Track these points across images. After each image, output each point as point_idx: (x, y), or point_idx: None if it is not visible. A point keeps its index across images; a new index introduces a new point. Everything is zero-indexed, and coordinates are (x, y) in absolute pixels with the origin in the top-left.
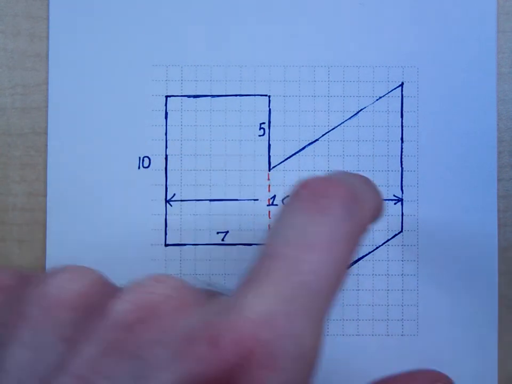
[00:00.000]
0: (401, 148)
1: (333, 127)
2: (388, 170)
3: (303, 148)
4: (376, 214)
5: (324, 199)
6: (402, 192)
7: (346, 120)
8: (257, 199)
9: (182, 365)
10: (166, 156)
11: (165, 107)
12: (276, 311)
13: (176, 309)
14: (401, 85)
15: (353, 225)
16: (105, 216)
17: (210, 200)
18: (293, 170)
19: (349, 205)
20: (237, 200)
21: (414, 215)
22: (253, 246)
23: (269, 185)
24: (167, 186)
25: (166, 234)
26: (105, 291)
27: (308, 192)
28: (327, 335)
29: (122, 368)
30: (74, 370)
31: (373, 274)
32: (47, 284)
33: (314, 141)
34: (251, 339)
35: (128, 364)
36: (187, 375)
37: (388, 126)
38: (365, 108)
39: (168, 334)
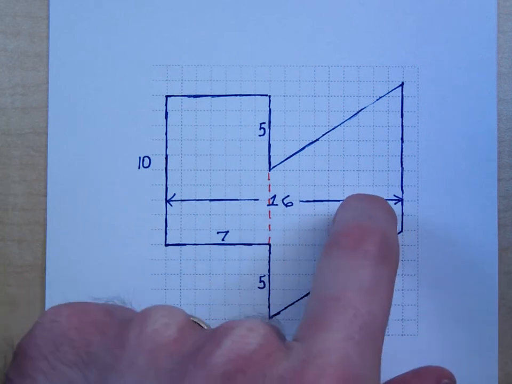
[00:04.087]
0: (401, 148)
1: (333, 127)
2: (388, 170)
3: (303, 148)
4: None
5: (363, 245)
6: (403, 192)
7: (346, 120)
8: (257, 199)
9: None
10: (166, 155)
11: (165, 107)
12: (352, 354)
13: (267, 356)
14: (401, 84)
15: (389, 264)
16: (105, 216)
17: (211, 200)
18: (293, 170)
19: (383, 247)
20: (237, 200)
21: (414, 215)
22: (253, 246)
23: (269, 185)
24: (167, 186)
25: (166, 234)
26: (195, 334)
27: (348, 240)
28: None
29: None
30: None
31: None
32: (145, 328)
33: (315, 141)
34: (338, 382)
35: None
36: None
37: (388, 126)
38: (365, 107)
39: (262, 383)
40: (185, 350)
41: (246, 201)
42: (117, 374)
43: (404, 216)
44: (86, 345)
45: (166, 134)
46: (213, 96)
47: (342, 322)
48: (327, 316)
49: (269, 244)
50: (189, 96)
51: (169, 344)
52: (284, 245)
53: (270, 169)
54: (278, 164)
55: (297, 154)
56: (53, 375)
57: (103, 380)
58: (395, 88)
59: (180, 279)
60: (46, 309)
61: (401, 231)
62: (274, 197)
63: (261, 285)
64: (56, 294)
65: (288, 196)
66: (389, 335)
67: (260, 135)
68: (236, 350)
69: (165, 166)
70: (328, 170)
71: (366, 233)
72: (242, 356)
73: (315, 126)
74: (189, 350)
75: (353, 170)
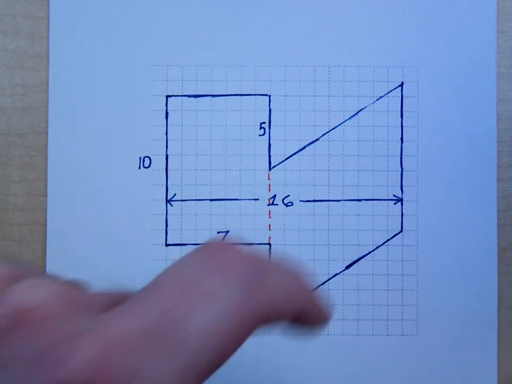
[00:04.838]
0: (401, 148)
1: (333, 127)
2: (388, 170)
3: (304, 148)
4: (303, 310)
5: (217, 256)
6: (402, 192)
7: (346, 120)
8: (257, 199)
9: None
10: (167, 155)
11: (165, 107)
12: (131, 338)
13: (48, 317)
14: (401, 85)
15: (250, 297)
16: (105, 216)
17: (211, 200)
18: (293, 170)
19: (248, 273)
20: (237, 199)
21: (414, 215)
22: (254, 245)
23: (269, 185)
24: (168, 186)
25: (166, 234)
26: None
27: (211, 247)
28: (327, 335)
29: None
30: None
31: (373, 274)
32: None
33: (315, 141)
34: (99, 364)
35: None
36: None
37: (388, 126)
38: (365, 107)
39: (30, 346)
40: None
41: (246, 201)
42: None
43: (404, 216)
44: None
45: (166, 134)
46: (213, 96)
47: (145, 305)
48: (135, 300)
49: (269, 244)
50: (189, 96)
51: None
52: (284, 245)
53: (270, 169)
54: (278, 164)
55: (297, 154)
56: None
57: None
58: (395, 88)
59: None
60: None
61: (401, 231)
62: (274, 196)
63: None
64: None
65: (288, 195)
66: (389, 335)
67: (260, 135)
68: (15, 304)
69: (165, 166)
70: (328, 170)
71: (233, 252)
72: (20, 311)
73: (315, 126)
74: None
75: (353, 170)
